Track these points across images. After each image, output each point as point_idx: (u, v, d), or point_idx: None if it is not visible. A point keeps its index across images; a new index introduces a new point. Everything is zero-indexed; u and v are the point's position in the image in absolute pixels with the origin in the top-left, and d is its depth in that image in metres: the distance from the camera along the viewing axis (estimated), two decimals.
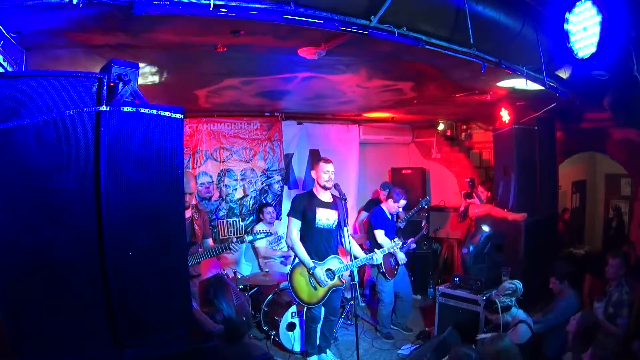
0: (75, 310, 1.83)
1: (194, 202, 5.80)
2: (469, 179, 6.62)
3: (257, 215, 6.26)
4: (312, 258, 4.08)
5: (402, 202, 5.33)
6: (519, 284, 3.73)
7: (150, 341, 1.96)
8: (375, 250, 4.37)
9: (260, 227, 5.81)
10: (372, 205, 6.52)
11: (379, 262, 4.40)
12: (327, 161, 4.18)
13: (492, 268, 4.78)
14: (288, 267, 5.55)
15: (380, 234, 5.12)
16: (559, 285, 4.16)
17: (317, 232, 4.13)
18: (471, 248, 4.80)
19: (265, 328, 4.90)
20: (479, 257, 4.81)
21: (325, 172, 4.09)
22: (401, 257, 5.15)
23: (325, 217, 4.15)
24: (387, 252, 4.61)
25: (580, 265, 5.35)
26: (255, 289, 5.19)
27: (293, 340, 4.62)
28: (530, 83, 3.62)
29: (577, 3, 2.69)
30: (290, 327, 4.64)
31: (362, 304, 6.26)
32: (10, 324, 1.76)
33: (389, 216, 5.37)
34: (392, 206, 5.34)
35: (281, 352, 4.68)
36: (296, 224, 4.13)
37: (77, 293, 1.83)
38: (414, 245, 5.72)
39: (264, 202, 6.22)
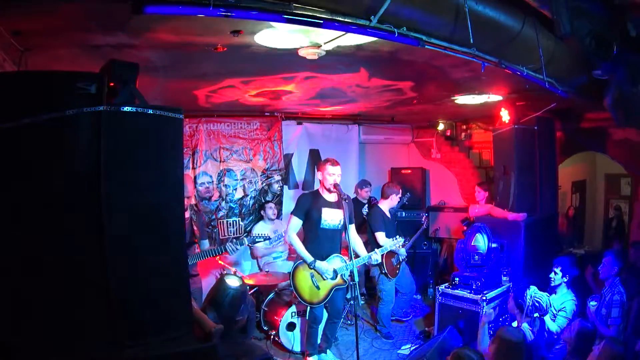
0: (75, 310, 1.82)
1: (193, 201, 5.83)
2: (463, 222, 6.41)
3: (256, 214, 6.26)
4: (314, 258, 4.06)
5: (395, 197, 5.35)
6: (548, 306, 3.65)
7: (150, 341, 1.96)
8: (376, 250, 4.34)
9: (260, 226, 5.80)
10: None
11: (378, 262, 4.37)
12: (335, 164, 4.08)
13: (491, 268, 4.78)
14: (283, 263, 5.59)
15: (381, 236, 5.10)
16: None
17: (321, 233, 4.11)
18: (462, 246, 4.83)
19: (265, 328, 4.90)
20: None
21: (331, 175, 4.03)
22: (402, 252, 5.17)
23: (331, 218, 4.12)
24: (386, 250, 4.57)
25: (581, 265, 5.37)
26: (255, 289, 5.19)
27: (293, 340, 4.62)
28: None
29: None
30: (290, 327, 4.64)
31: (362, 302, 6.28)
32: (10, 323, 1.76)
33: (388, 215, 5.37)
34: (389, 203, 5.35)
35: (281, 352, 4.68)
36: (297, 223, 4.11)
37: (77, 293, 1.83)
38: (408, 244, 5.72)
39: (264, 201, 6.21)
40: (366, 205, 6.47)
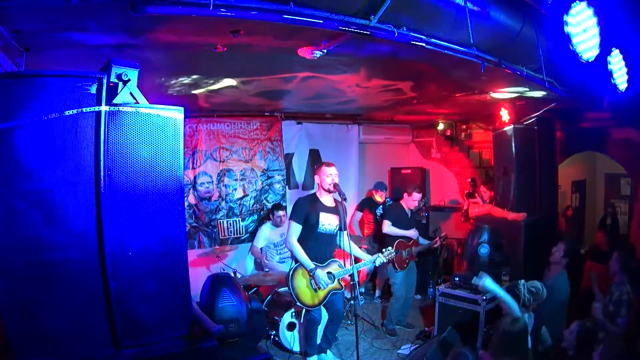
0: (75, 311, 1.83)
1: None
2: (470, 179, 6.62)
3: (260, 215, 6.25)
4: (312, 261, 4.06)
5: (416, 195, 5.36)
6: (543, 290, 3.65)
7: (149, 341, 1.96)
8: (379, 254, 4.31)
9: (267, 229, 5.77)
10: (365, 204, 6.56)
11: (383, 262, 4.35)
12: (330, 165, 4.10)
13: (492, 268, 4.76)
14: (286, 266, 5.57)
15: (386, 224, 5.22)
16: (560, 257, 4.04)
17: (318, 237, 4.10)
18: (487, 247, 4.67)
19: (265, 328, 4.90)
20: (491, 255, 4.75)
21: (329, 176, 4.04)
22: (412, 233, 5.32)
23: (328, 222, 4.12)
24: (389, 257, 4.44)
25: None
26: (255, 289, 5.19)
27: (293, 340, 4.62)
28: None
29: (573, 4, 2.65)
30: (290, 327, 4.64)
31: (362, 302, 6.28)
32: (10, 323, 1.76)
33: (407, 212, 5.40)
34: (407, 200, 5.38)
35: (281, 352, 4.68)
36: (297, 228, 4.09)
37: (77, 293, 1.83)
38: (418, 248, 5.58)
39: (274, 204, 6.16)
40: (380, 206, 6.46)
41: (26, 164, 1.78)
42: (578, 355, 3.31)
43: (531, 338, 3.37)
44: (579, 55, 2.72)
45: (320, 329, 4.39)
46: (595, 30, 2.65)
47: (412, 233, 5.34)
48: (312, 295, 4.04)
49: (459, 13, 2.67)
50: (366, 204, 6.63)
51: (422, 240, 5.54)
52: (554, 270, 4.01)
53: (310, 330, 4.29)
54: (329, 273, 4.08)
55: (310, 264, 4.00)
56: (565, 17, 2.66)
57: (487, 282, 3.53)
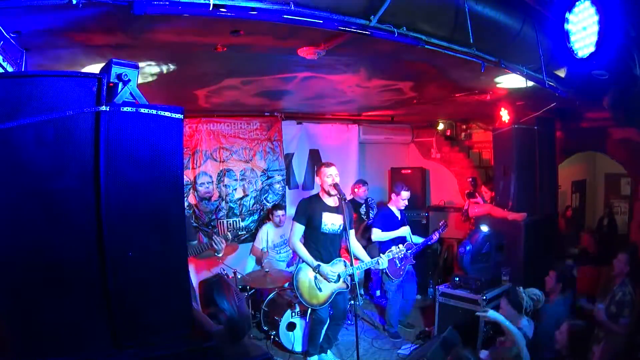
0: (75, 311, 1.82)
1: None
2: (471, 179, 6.62)
3: (260, 215, 6.25)
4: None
5: (405, 193, 5.27)
6: (542, 296, 3.68)
7: (149, 341, 1.96)
8: (381, 254, 4.32)
9: (267, 229, 5.79)
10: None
11: (384, 267, 4.35)
12: (329, 165, 4.10)
13: (492, 268, 4.78)
14: (292, 268, 5.58)
15: (375, 233, 5.12)
16: (554, 283, 4.09)
17: (322, 237, 4.12)
18: (468, 247, 4.77)
19: (265, 328, 4.90)
20: (477, 256, 4.79)
21: (329, 177, 4.04)
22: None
23: (331, 222, 4.12)
24: (391, 257, 4.50)
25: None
26: (255, 289, 5.19)
27: (293, 340, 4.62)
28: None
29: (577, 3, 2.69)
30: (290, 327, 4.64)
31: (362, 303, 6.27)
32: (9, 323, 1.76)
33: (398, 214, 5.34)
34: (396, 201, 5.31)
35: (281, 352, 4.68)
36: (300, 229, 4.10)
37: (77, 293, 1.83)
38: (415, 250, 5.59)
39: (273, 205, 6.17)
40: (364, 205, 6.46)
41: (26, 164, 1.78)
42: (572, 356, 3.30)
43: (531, 344, 3.37)
44: (575, 52, 2.78)
45: (324, 329, 4.40)
46: (595, 28, 2.68)
47: (403, 230, 5.24)
48: (317, 295, 4.06)
49: (458, 13, 2.68)
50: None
51: (415, 239, 5.53)
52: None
53: (315, 330, 4.30)
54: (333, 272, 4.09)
55: (314, 261, 4.02)
56: (567, 15, 2.72)
57: (491, 313, 3.54)
